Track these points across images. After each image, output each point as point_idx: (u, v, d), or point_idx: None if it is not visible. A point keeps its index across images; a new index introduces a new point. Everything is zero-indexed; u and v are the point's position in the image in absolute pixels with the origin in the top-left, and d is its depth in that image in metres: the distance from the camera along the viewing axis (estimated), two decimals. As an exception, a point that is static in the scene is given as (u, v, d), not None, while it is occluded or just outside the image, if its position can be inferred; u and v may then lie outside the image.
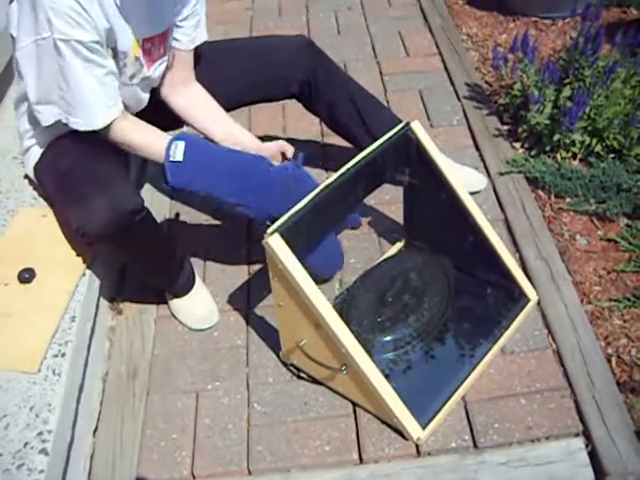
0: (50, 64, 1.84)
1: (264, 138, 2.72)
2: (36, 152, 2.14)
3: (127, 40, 1.95)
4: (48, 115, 1.98)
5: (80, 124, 1.92)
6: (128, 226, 1.92)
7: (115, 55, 1.94)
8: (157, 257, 2.16)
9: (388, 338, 2.09)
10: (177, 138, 1.96)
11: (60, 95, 1.89)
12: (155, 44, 2.07)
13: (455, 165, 2.65)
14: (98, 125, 1.92)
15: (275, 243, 1.76)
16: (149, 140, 2.01)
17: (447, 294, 2.19)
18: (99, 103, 1.90)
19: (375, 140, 2.07)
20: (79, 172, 1.98)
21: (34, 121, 2.09)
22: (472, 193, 2.60)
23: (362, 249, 2.48)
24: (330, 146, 2.90)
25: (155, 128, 2.04)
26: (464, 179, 2.61)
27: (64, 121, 1.93)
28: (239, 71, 2.39)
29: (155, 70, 2.12)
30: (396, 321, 2.11)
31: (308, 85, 2.44)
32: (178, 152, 1.95)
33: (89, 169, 1.97)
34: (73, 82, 1.85)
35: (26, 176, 2.39)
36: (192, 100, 2.27)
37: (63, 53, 1.80)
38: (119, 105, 1.96)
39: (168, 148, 1.95)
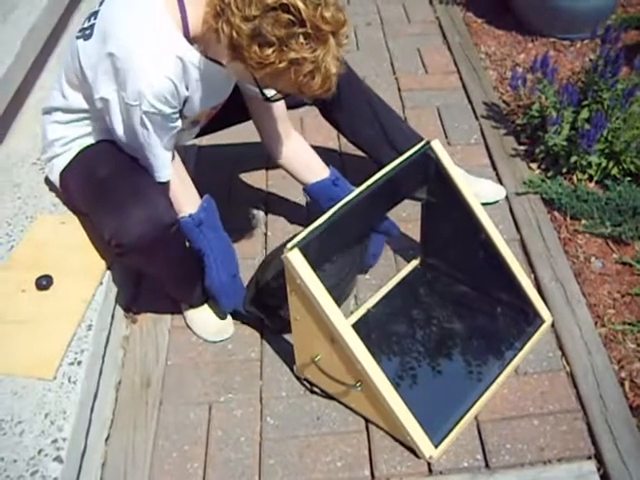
0: (129, 121, 1.90)
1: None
2: (64, 159, 2.15)
3: (193, 109, 2.01)
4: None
5: (161, 178, 2.03)
6: (162, 239, 1.94)
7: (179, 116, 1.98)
8: (180, 268, 2.17)
9: None
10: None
11: (140, 149, 1.97)
12: (218, 107, 2.16)
13: (473, 177, 2.67)
14: (163, 179, 2.03)
15: (294, 258, 1.77)
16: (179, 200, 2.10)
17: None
18: (166, 161, 2.00)
19: (393, 151, 2.07)
20: (116, 182, 2.00)
21: (66, 131, 2.11)
22: (491, 203, 2.65)
23: (378, 266, 2.48)
24: (348, 160, 2.90)
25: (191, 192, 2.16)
26: (483, 189, 2.63)
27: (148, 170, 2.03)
28: None
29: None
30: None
31: None
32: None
33: (127, 179, 1.99)
34: (153, 141, 1.93)
35: (46, 182, 2.41)
36: (294, 154, 2.39)
37: (145, 121, 1.86)
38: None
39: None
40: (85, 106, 2.05)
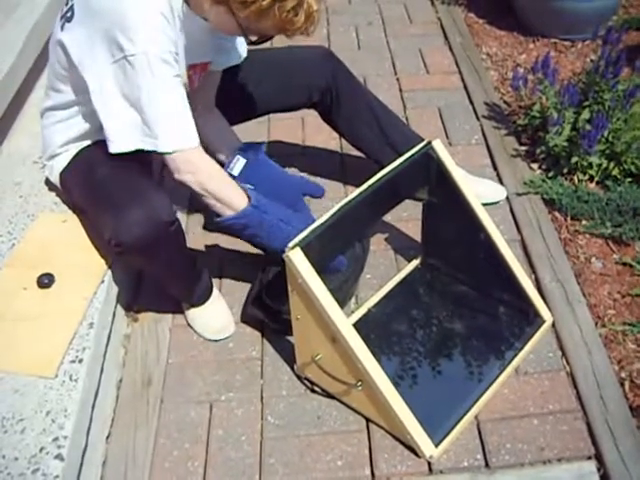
0: (131, 85, 1.82)
1: (283, 152, 2.75)
2: (63, 159, 2.15)
3: (182, 63, 1.99)
4: (125, 143, 1.90)
5: (167, 145, 1.87)
6: (162, 237, 1.94)
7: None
8: (180, 267, 2.17)
9: None
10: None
11: (143, 118, 1.86)
12: (196, 72, 2.12)
13: (474, 177, 2.67)
14: (192, 143, 1.90)
15: (296, 257, 1.77)
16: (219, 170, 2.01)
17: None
18: (189, 119, 1.91)
19: (394, 152, 2.07)
20: (115, 181, 1.99)
21: (65, 131, 2.11)
22: (492, 203, 2.66)
23: (378, 265, 2.48)
24: (349, 160, 2.91)
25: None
26: (484, 189, 2.64)
27: (148, 148, 1.88)
28: (263, 76, 2.43)
29: None
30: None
31: (329, 93, 2.48)
32: (237, 167, 2.07)
33: (126, 179, 1.98)
34: (161, 97, 1.84)
35: (47, 181, 2.41)
36: (214, 124, 2.35)
37: (153, 66, 1.79)
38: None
39: (229, 163, 2.06)
40: (79, 96, 2.03)
